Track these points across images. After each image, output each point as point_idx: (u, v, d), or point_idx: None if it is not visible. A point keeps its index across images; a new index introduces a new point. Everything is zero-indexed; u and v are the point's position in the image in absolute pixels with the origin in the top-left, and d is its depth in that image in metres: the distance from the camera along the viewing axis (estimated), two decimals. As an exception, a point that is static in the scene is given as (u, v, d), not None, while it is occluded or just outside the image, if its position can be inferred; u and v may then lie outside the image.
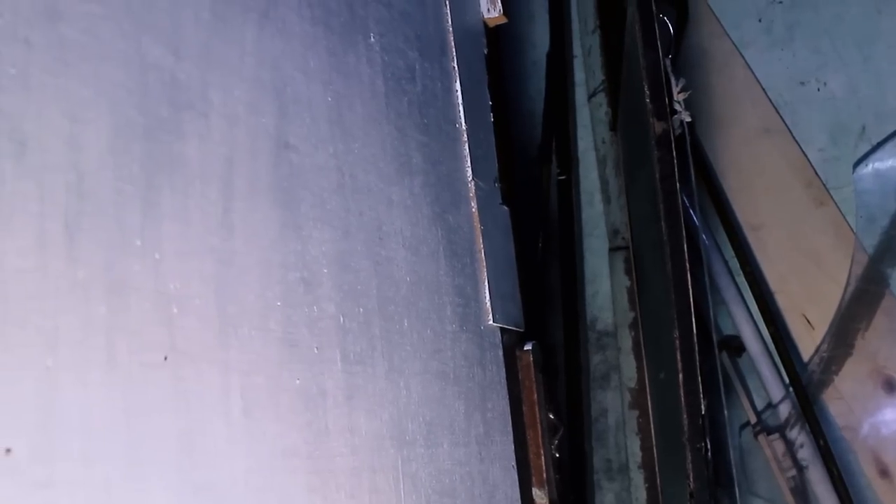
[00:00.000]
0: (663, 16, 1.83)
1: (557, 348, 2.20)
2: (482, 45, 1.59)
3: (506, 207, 1.51)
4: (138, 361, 0.76)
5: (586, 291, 2.30)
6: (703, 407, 1.49)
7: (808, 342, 2.15)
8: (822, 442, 2.02)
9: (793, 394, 2.09)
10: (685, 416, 1.45)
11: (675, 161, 1.64)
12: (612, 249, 2.26)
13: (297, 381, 0.95)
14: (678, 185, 1.64)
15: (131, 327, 0.76)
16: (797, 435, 2.10)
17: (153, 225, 0.81)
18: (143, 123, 0.82)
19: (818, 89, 2.20)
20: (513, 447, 1.36)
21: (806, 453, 2.07)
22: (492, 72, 1.60)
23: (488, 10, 1.62)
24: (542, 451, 1.40)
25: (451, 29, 1.46)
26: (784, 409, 2.13)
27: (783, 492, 2.10)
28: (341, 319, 1.03)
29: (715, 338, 2.13)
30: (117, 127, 0.79)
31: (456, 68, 1.45)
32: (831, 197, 2.15)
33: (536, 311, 2.15)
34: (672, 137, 1.63)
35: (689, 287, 1.60)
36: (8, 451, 0.64)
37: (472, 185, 1.40)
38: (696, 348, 1.49)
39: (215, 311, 0.86)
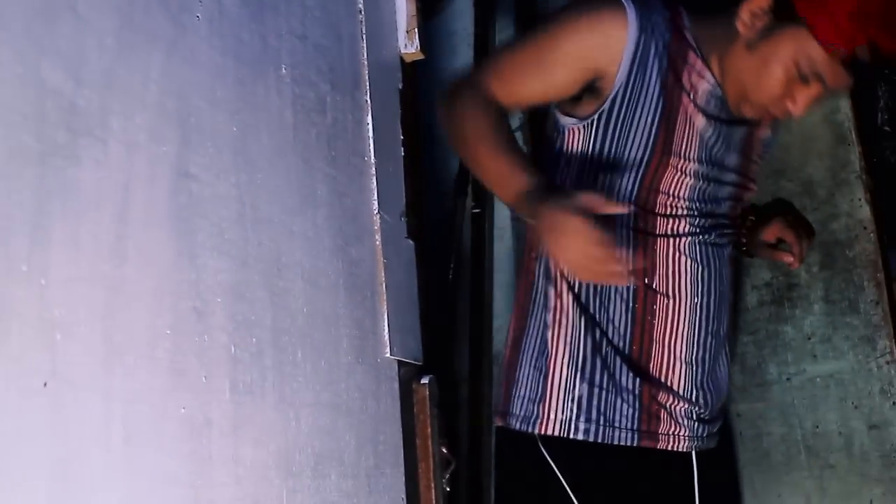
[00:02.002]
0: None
1: (462, 381, 2.22)
2: (397, 80, 1.61)
3: (411, 241, 1.53)
4: (16, 388, 0.76)
5: (493, 326, 2.32)
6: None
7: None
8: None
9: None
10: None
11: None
12: (521, 285, 2.28)
13: (183, 410, 0.95)
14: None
15: (11, 353, 0.76)
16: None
17: (41, 251, 0.81)
18: (38, 149, 0.82)
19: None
20: (403, 480, 1.37)
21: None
22: (406, 107, 1.62)
23: (406, 45, 1.65)
24: (432, 485, 1.41)
25: (366, 63, 1.49)
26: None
27: None
28: (232, 349, 1.04)
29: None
30: (10, 152, 0.79)
31: (369, 102, 1.47)
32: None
33: (442, 344, 2.17)
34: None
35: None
36: None
37: (377, 219, 1.42)
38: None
39: (101, 338, 0.86)
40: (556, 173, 1.61)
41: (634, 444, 1.54)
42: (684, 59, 1.55)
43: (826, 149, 1.95)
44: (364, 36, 1.49)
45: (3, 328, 0.76)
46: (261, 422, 1.07)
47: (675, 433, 1.57)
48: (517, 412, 1.58)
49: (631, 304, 1.55)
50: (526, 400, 1.58)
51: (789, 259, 1.81)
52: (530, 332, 1.61)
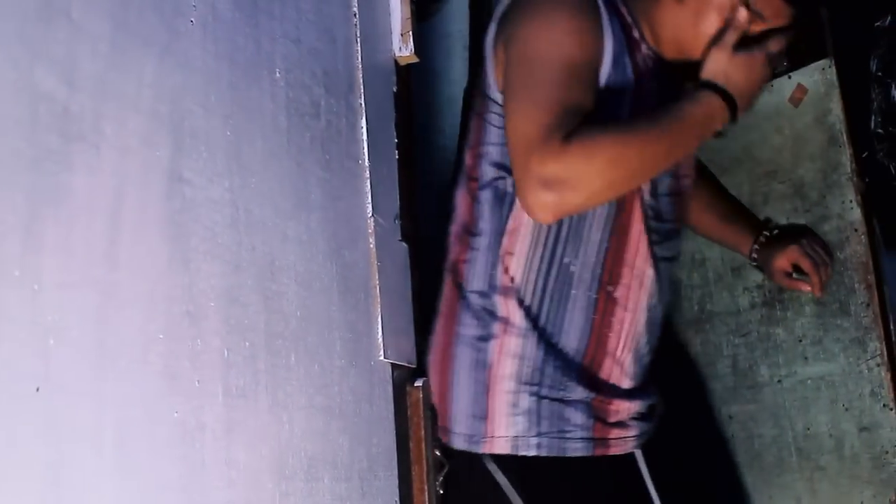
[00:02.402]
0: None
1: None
2: (392, 83, 1.62)
3: (405, 244, 1.53)
4: (8, 392, 0.76)
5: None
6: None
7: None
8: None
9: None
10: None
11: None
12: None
13: (175, 414, 0.96)
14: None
15: (3, 358, 0.76)
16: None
17: (33, 255, 0.81)
18: (31, 154, 0.82)
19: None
20: (397, 483, 1.38)
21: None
22: (400, 110, 1.63)
23: (400, 48, 1.65)
24: (425, 488, 1.42)
25: (360, 66, 1.49)
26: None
27: None
28: (225, 353, 1.05)
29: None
30: (2, 157, 0.79)
31: (363, 105, 1.47)
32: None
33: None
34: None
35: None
36: None
37: (371, 222, 1.43)
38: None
39: (93, 343, 0.86)
40: None
41: (589, 454, 1.48)
42: (633, 40, 1.50)
43: (817, 151, 1.96)
44: (358, 39, 1.50)
45: (-5, 333, 0.76)
46: (254, 425, 1.08)
47: (625, 437, 1.53)
48: (458, 430, 1.48)
49: (590, 315, 1.50)
50: (468, 416, 1.48)
51: (807, 289, 1.79)
52: (463, 340, 1.51)
